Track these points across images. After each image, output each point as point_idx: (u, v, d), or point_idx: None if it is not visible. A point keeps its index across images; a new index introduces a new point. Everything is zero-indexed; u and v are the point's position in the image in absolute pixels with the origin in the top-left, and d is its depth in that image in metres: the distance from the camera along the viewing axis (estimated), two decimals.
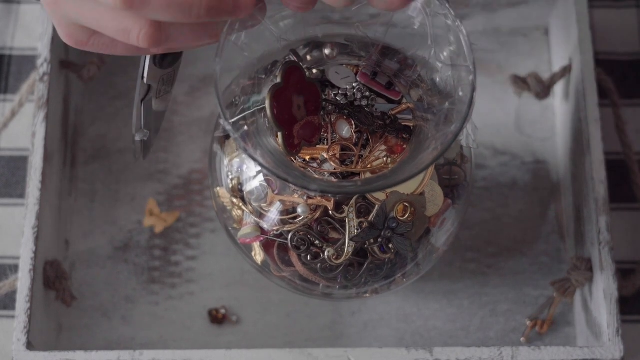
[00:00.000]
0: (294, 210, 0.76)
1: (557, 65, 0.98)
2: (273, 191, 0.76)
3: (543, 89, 0.95)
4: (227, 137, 0.80)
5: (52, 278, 0.87)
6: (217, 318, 0.91)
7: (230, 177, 0.79)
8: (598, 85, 0.92)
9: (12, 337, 0.83)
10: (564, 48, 0.96)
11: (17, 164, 0.96)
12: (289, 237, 0.76)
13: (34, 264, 0.85)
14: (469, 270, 0.93)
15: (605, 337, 0.83)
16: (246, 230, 0.78)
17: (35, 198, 0.87)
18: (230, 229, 0.81)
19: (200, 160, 0.96)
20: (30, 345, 0.83)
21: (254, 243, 0.80)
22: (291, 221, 0.76)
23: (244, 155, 0.77)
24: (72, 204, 0.95)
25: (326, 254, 0.76)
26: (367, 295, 0.82)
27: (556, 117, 0.98)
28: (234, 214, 0.80)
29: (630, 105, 0.98)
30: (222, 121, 0.70)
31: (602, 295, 0.84)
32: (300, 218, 0.76)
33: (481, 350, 0.82)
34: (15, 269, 0.89)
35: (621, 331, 0.83)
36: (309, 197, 0.75)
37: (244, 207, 0.78)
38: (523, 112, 0.98)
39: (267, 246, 0.79)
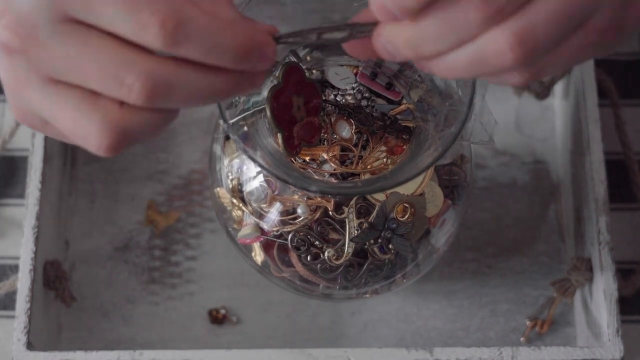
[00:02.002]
0: (294, 210, 0.76)
1: None
2: (273, 192, 0.76)
3: (543, 89, 0.95)
4: (227, 137, 0.80)
5: (52, 278, 0.87)
6: (217, 318, 0.91)
7: (230, 177, 0.79)
8: (598, 85, 0.92)
9: (12, 337, 0.83)
10: None
11: (17, 164, 0.96)
12: (289, 238, 0.76)
13: (34, 264, 0.85)
14: (469, 271, 0.93)
15: (605, 337, 0.83)
16: (246, 230, 0.78)
17: (35, 198, 0.86)
18: (230, 229, 0.81)
19: (200, 160, 0.96)
20: (30, 345, 0.83)
21: (254, 243, 0.79)
22: (291, 222, 0.76)
23: (244, 156, 0.77)
24: (72, 204, 0.95)
25: (326, 254, 0.76)
26: (367, 295, 0.82)
27: (556, 117, 0.98)
28: (234, 214, 0.80)
29: (630, 105, 0.98)
30: (221, 122, 0.70)
31: (602, 295, 0.84)
32: (300, 219, 0.76)
33: (481, 350, 0.82)
34: (15, 269, 0.88)
35: (621, 331, 0.83)
36: (309, 198, 0.75)
37: (243, 208, 0.78)
38: (523, 112, 0.98)
39: (267, 247, 0.79)
